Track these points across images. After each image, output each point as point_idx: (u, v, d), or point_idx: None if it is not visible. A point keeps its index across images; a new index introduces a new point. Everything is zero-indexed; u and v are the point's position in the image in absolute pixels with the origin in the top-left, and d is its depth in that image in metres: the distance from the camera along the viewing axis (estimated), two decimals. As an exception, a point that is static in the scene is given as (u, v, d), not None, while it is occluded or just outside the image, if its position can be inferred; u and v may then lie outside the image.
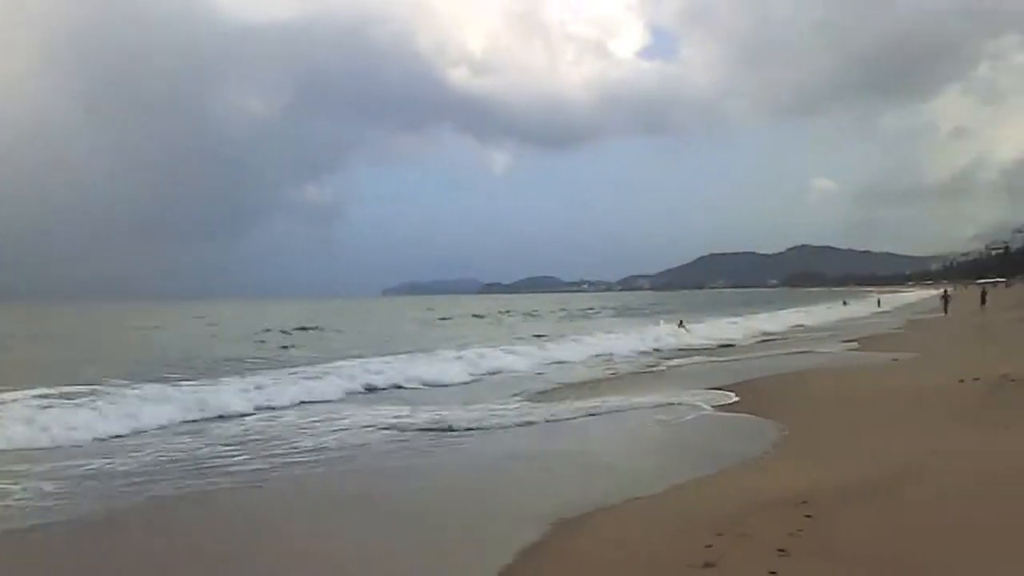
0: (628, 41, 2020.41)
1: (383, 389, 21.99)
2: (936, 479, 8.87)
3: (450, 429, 14.55)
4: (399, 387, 22.39)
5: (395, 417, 16.09)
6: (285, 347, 40.53)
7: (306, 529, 8.72)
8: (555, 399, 18.89)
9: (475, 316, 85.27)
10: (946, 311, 57.12)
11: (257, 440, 14.05)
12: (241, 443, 13.73)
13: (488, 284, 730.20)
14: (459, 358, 27.84)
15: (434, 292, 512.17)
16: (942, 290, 77.01)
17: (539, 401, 18.67)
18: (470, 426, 14.81)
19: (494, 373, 26.04)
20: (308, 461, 12.07)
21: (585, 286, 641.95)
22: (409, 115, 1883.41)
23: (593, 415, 16.02)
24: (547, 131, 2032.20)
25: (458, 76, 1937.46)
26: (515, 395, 19.91)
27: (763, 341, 39.85)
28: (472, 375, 25.09)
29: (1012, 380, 15.20)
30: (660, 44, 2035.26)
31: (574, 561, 7.09)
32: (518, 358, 29.28)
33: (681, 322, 45.43)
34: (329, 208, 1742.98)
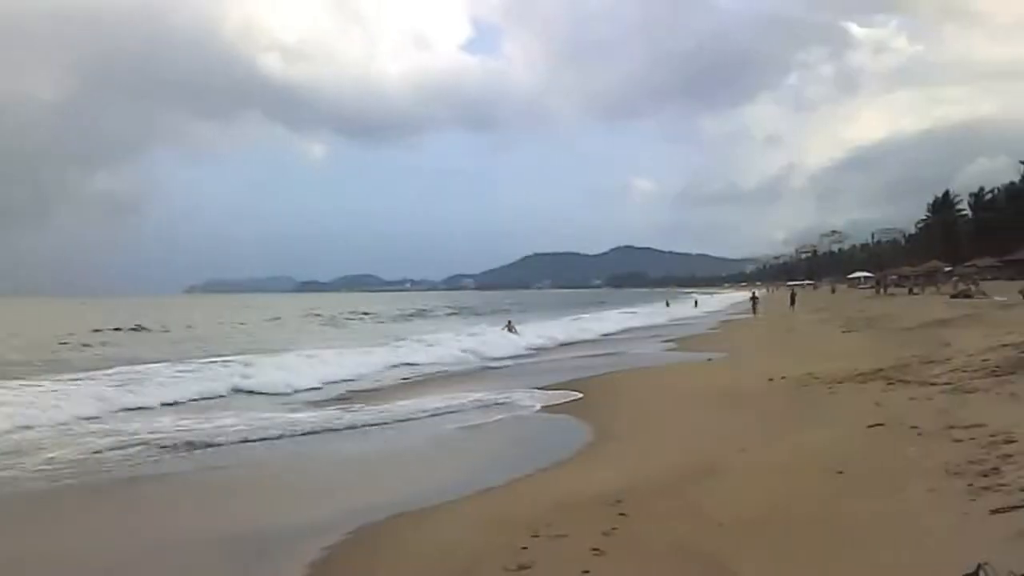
0: (450, 33, 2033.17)
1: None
2: (743, 475, 9.20)
3: (246, 441, 13.83)
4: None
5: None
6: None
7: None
8: (373, 401, 18.72)
9: (314, 315, 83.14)
10: (755, 312, 60.16)
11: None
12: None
13: (304, 282, 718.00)
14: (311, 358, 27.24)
15: (245, 290, 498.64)
16: (751, 292, 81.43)
17: (361, 402, 18.50)
18: (256, 437, 14.15)
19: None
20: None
21: (408, 285, 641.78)
22: (215, 103, 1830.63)
23: (411, 419, 15.90)
24: (365, 123, 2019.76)
25: (269, 63, 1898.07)
26: (340, 397, 19.74)
27: (586, 341, 40.67)
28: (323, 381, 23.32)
29: (816, 378, 15.84)
30: (483, 38, 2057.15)
31: (376, 570, 7.01)
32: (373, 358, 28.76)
33: (509, 323, 45.63)
34: (126, 201, 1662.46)
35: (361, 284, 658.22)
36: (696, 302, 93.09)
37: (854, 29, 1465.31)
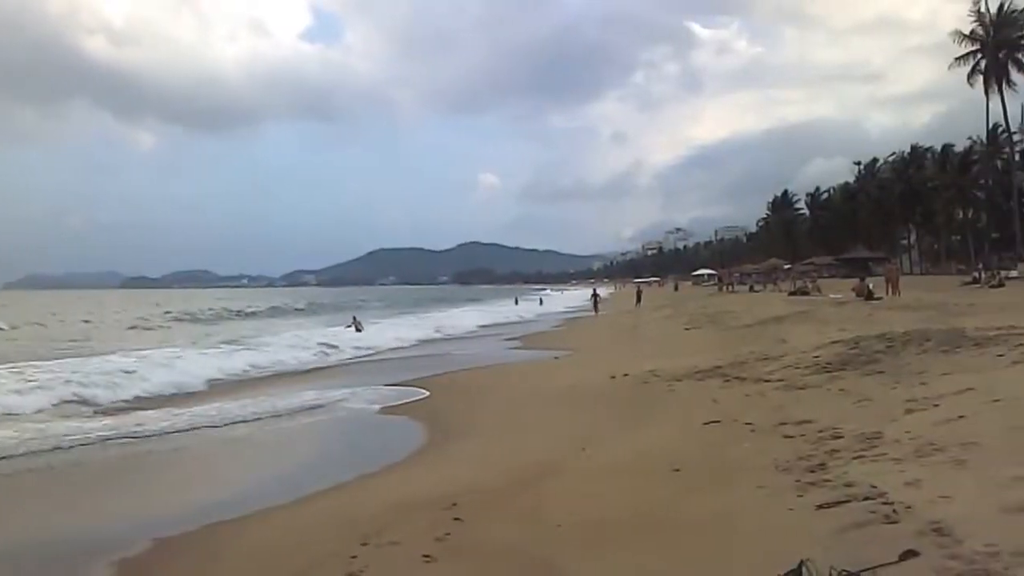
0: (288, 21, 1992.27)
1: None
2: (583, 475, 9.32)
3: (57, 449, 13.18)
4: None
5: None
6: None
7: None
8: (191, 404, 18.29)
9: (147, 312, 79.51)
10: (596, 311, 60.64)
11: None
12: None
13: (132, 278, 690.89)
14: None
15: (67, 286, 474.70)
16: (592, 290, 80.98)
17: (176, 406, 17.93)
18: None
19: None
20: None
21: (244, 281, 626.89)
22: (33, 87, 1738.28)
23: (238, 421, 15.60)
24: (199, 112, 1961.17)
25: (95, 46, 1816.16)
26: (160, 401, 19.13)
27: (432, 339, 40.67)
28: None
29: (657, 376, 16.23)
30: (323, 27, 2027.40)
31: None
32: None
33: (354, 319, 45.05)
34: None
35: (194, 280, 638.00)
36: (541, 300, 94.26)
37: (697, 29, 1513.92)
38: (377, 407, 16.57)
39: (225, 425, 15.19)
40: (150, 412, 16.96)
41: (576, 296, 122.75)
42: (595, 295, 68.83)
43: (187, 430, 14.75)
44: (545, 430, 12.96)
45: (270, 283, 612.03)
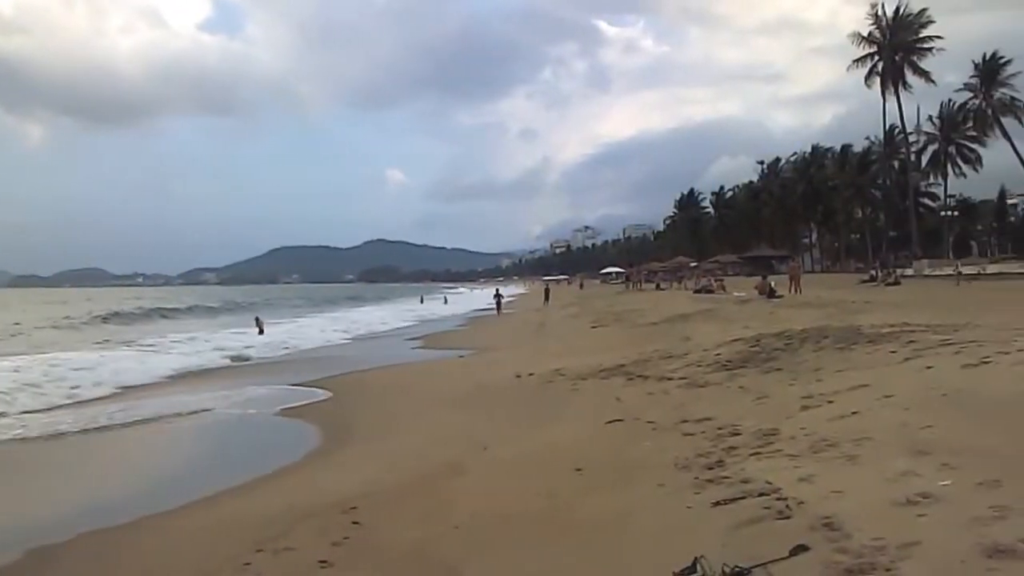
0: (186, 11, 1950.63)
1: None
2: (485, 475, 9.35)
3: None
4: None
5: None
6: None
7: None
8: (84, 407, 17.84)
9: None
10: (499, 312, 58.98)
11: None
12: None
13: (21, 276, 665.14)
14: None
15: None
16: (495, 289, 77.02)
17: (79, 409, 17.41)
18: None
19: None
20: None
21: (140, 279, 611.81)
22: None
23: (132, 423, 15.35)
24: (92, 104, 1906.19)
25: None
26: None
27: (337, 338, 40.26)
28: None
29: (562, 375, 16.37)
30: (223, 17, 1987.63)
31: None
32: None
33: (257, 319, 44.33)
34: None
35: (87, 278, 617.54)
36: (446, 299, 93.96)
37: (604, 27, 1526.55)
38: (277, 408, 16.38)
39: (116, 427, 14.89)
40: (40, 415, 16.47)
41: (485, 295, 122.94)
42: (498, 296, 65.08)
43: (77, 432, 14.41)
44: (448, 430, 12.96)
45: (167, 281, 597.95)
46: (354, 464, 11.07)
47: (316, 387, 19.31)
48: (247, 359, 29.89)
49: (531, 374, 17.37)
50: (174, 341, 35.34)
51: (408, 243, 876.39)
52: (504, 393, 15.88)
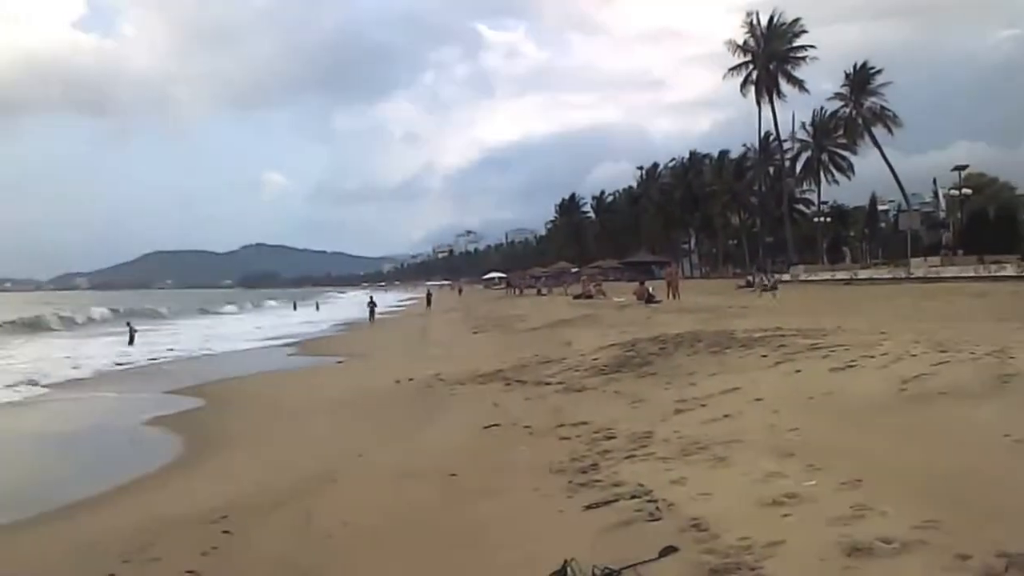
0: (59, 8, 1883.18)
1: None
2: (360, 482, 9.26)
3: None
4: None
5: None
6: None
7: None
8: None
9: None
10: (371, 319, 55.64)
11: None
12: None
13: None
14: None
15: None
16: (368, 296, 71.57)
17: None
18: None
19: None
20: None
21: (8, 285, 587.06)
22: None
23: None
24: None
25: None
26: None
27: (213, 345, 39.31)
28: None
29: (441, 380, 16.36)
30: (97, 15, 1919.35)
31: None
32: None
33: (129, 324, 42.98)
34: None
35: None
36: (318, 305, 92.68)
37: (486, 32, 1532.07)
38: (144, 417, 15.91)
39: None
40: None
41: (363, 300, 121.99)
42: (371, 304, 58.83)
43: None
44: (324, 437, 12.84)
45: (38, 286, 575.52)
46: (225, 473, 10.87)
47: (187, 395, 18.86)
48: (116, 368, 28.94)
49: (410, 379, 17.29)
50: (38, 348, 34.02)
51: (288, 247, 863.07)
52: (382, 399, 15.78)
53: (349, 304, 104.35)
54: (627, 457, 7.72)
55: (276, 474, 10.22)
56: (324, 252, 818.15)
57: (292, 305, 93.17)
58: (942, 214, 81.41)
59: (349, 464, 10.19)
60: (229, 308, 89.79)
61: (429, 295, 78.89)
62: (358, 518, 7.60)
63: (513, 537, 6.26)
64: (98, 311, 69.23)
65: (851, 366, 10.13)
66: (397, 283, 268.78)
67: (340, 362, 26.39)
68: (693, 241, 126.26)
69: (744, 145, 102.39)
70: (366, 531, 7.16)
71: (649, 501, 6.03)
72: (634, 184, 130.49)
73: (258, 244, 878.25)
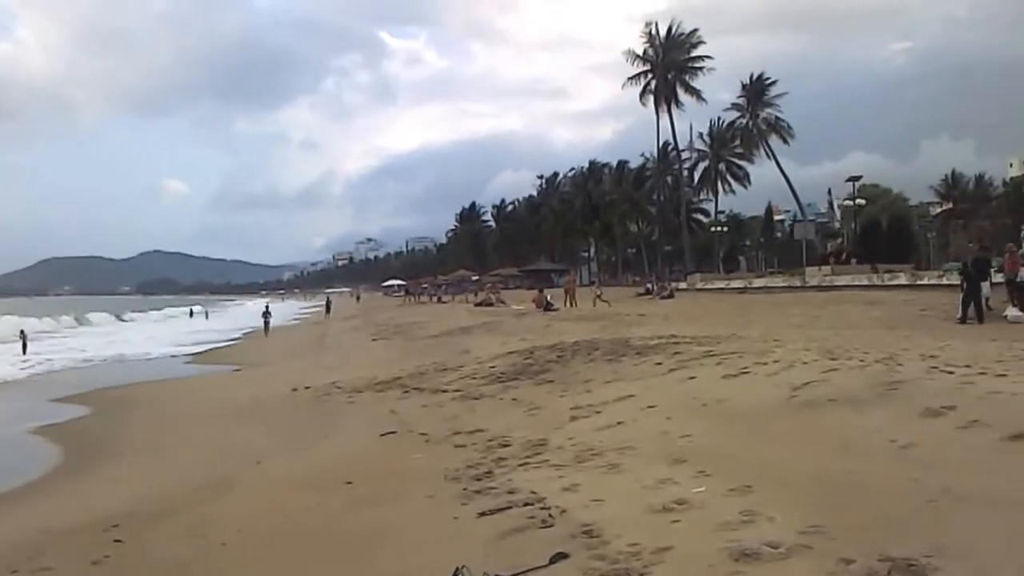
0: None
1: None
2: (255, 490, 9.13)
3: None
4: None
5: None
6: None
7: None
8: None
9: None
10: (267, 330, 52.86)
11: None
12: None
13: None
14: None
15: None
16: (264, 305, 64.67)
17: None
18: None
19: None
20: None
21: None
22: None
23: None
24: None
25: None
26: None
27: (106, 352, 38.46)
28: None
29: (339, 388, 16.19)
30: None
31: None
32: None
33: (22, 332, 41.60)
34: None
35: None
36: (207, 314, 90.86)
37: (388, 39, 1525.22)
38: (33, 425, 15.44)
39: None
40: None
41: (260, 308, 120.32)
42: (266, 314, 54.89)
43: None
44: (220, 445, 12.63)
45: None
46: (117, 481, 10.65)
47: (79, 403, 18.43)
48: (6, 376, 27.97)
49: (307, 387, 17.12)
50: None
51: (186, 255, 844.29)
52: (279, 407, 15.59)
53: (247, 312, 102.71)
54: (521, 464, 7.75)
55: (170, 482, 10.06)
56: (223, 260, 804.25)
57: (188, 312, 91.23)
58: (837, 224, 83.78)
59: (245, 472, 10.06)
60: (126, 315, 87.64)
61: (329, 303, 77.92)
62: (253, 526, 7.51)
63: (407, 545, 6.21)
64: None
65: (744, 373, 10.33)
66: (297, 291, 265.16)
67: (237, 370, 25.97)
68: (593, 249, 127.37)
69: (643, 154, 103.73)
70: (261, 539, 7.07)
71: (542, 508, 6.06)
72: (534, 193, 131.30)
73: (156, 251, 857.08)
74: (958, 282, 25.16)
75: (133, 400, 19.18)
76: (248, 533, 7.27)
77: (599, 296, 44.39)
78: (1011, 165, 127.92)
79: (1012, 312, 21.73)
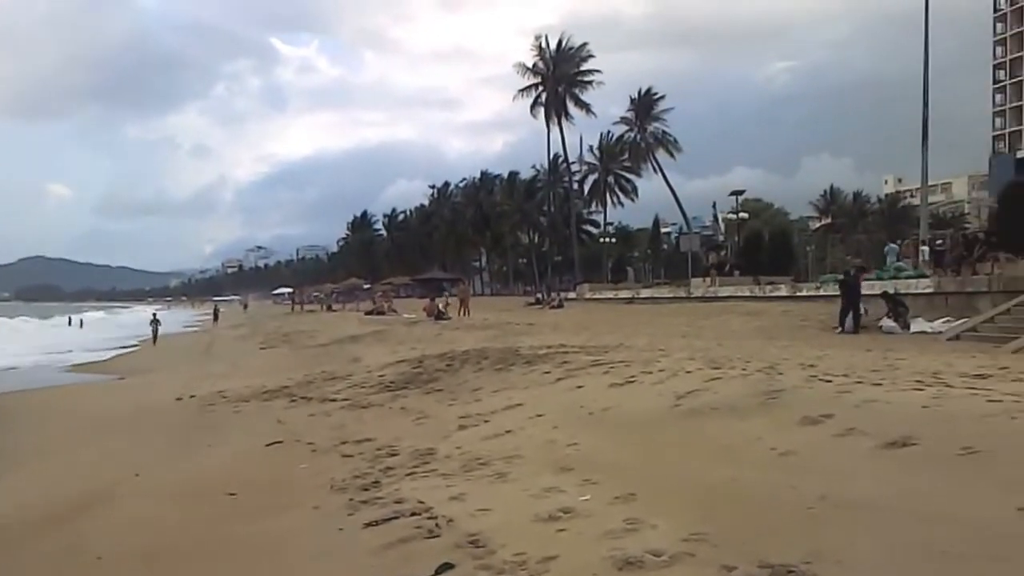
0: None
1: None
2: (134, 503, 8.77)
3: None
4: None
5: None
6: None
7: None
8: None
9: None
10: (155, 338, 50.50)
11: None
12: None
13: None
14: None
15: None
16: (152, 313, 61.68)
17: None
18: None
19: None
20: None
21: None
22: None
23: None
24: None
25: None
26: None
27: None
28: None
29: (225, 397, 15.84)
30: None
31: None
32: None
33: None
34: None
35: None
36: (81, 322, 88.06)
37: (279, 45, 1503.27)
38: None
39: None
40: None
41: (147, 315, 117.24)
42: (154, 321, 52.76)
43: None
44: (99, 455, 12.17)
45: None
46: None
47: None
48: None
49: (192, 396, 16.70)
50: None
51: (70, 261, 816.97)
52: (162, 417, 15.11)
53: (134, 320, 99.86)
54: (409, 474, 7.67)
55: (45, 494, 9.69)
56: (109, 266, 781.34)
57: (68, 320, 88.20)
58: (721, 237, 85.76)
59: (124, 483, 9.67)
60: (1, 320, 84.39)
61: (217, 311, 76.44)
62: (132, 539, 7.25)
63: (292, 557, 6.08)
64: None
65: (630, 382, 10.41)
66: (184, 298, 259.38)
67: (120, 379, 25.17)
68: (484, 259, 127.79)
69: (534, 166, 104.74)
70: (139, 553, 6.81)
71: (429, 518, 5.98)
72: (426, 202, 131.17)
73: (38, 256, 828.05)
74: (835, 293, 26.00)
75: (3, 410, 18.39)
76: (126, 547, 7.00)
77: (390, 305, 44.60)
78: (886, 182, 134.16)
79: (887, 323, 22.59)
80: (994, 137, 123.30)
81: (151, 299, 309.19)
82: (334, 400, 13.73)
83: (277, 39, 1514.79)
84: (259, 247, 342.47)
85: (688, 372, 10.42)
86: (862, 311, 23.32)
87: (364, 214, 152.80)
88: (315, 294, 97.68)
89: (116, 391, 22.05)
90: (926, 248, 33.21)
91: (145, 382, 23.81)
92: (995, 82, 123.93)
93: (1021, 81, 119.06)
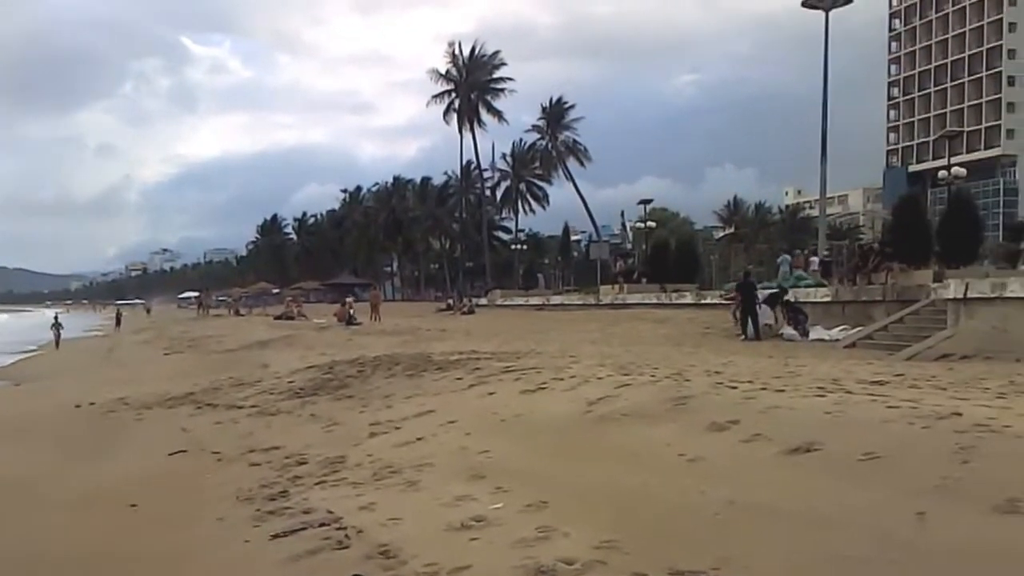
0: None
1: None
2: (24, 516, 8.35)
3: None
4: None
5: None
6: None
7: None
8: None
9: None
10: (57, 345, 48.68)
11: None
12: None
13: None
14: None
15: None
16: (54, 316, 60.29)
17: None
18: None
19: None
20: None
21: None
22: None
23: None
24: None
25: None
26: None
27: None
28: None
29: (126, 404, 15.40)
30: None
31: None
32: None
33: None
34: None
35: None
36: None
37: (191, 45, 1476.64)
38: None
39: None
40: None
41: (47, 321, 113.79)
42: (56, 325, 51.07)
43: None
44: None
45: None
46: None
47: None
48: None
49: (92, 403, 16.12)
50: None
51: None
52: (59, 425, 14.57)
53: (33, 324, 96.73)
54: (318, 483, 7.53)
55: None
56: (5, 268, 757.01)
57: None
58: (629, 245, 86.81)
59: (15, 494, 9.29)
60: None
61: (119, 315, 74.36)
62: (21, 555, 6.94)
63: (194, 571, 5.93)
64: None
65: (542, 389, 10.42)
66: (85, 302, 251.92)
67: (16, 385, 24.31)
68: (396, 264, 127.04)
69: (447, 172, 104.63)
70: (29, 567, 6.60)
71: (338, 528, 5.88)
72: (338, 207, 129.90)
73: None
74: (731, 297, 26.51)
75: None
76: (14, 562, 6.76)
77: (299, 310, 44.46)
78: (787, 193, 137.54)
79: (787, 331, 23.08)
80: (888, 152, 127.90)
81: (50, 302, 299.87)
82: (241, 407, 13.45)
83: (188, 39, 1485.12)
84: (165, 249, 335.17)
85: (599, 379, 10.47)
86: (768, 315, 23.78)
87: (274, 217, 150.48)
88: (222, 298, 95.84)
89: (10, 397, 21.34)
90: (815, 259, 34.24)
91: (43, 388, 23.07)
92: (890, 99, 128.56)
93: (914, 98, 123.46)
